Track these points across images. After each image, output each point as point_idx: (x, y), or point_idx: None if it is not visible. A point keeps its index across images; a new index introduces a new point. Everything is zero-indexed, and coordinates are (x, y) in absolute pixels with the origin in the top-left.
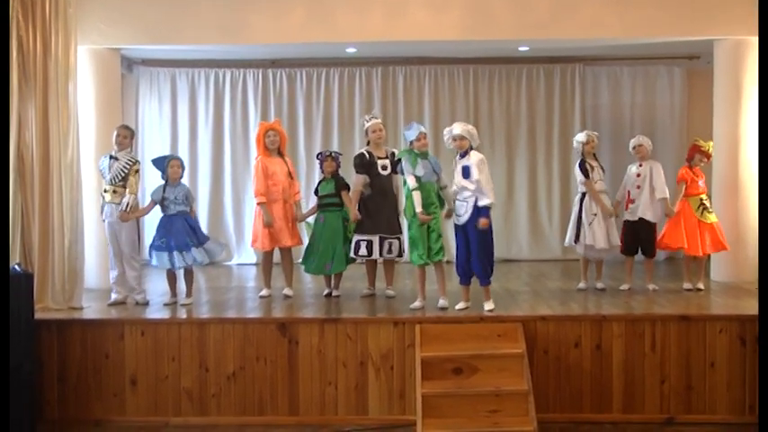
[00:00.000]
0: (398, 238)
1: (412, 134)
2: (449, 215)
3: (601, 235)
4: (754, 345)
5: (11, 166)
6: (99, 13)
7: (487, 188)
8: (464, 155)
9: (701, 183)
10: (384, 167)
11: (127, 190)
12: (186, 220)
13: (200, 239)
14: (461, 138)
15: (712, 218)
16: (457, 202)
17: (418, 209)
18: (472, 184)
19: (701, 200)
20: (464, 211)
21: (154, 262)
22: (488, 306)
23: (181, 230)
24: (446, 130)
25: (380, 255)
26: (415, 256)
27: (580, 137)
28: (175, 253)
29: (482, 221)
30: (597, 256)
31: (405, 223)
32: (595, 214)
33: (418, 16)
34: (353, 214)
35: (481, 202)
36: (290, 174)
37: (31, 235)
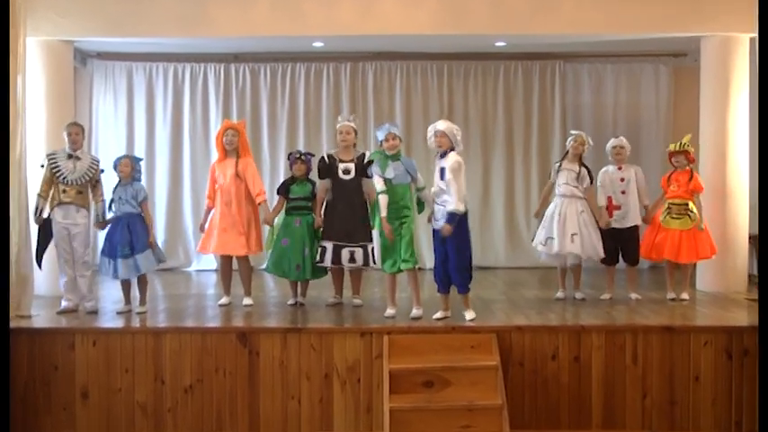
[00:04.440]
0: (363, 247)
1: (380, 134)
2: (430, 219)
3: (542, 238)
4: (741, 358)
5: None
6: (50, 3)
7: (458, 194)
8: (444, 155)
9: (673, 187)
10: (346, 171)
11: (96, 196)
12: (129, 223)
13: (137, 248)
14: (442, 135)
15: (675, 224)
16: (435, 206)
17: (383, 213)
18: (449, 189)
19: (669, 204)
20: (441, 216)
21: (99, 268)
22: (469, 315)
23: (121, 236)
24: (430, 127)
25: (334, 263)
26: (386, 264)
27: (574, 132)
28: (115, 261)
29: (445, 228)
30: (567, 262)
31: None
32: (560, 214)
33: (389, 9)
34: (317, 221)
35: (448, 208)
36: (237, 174)
37: None
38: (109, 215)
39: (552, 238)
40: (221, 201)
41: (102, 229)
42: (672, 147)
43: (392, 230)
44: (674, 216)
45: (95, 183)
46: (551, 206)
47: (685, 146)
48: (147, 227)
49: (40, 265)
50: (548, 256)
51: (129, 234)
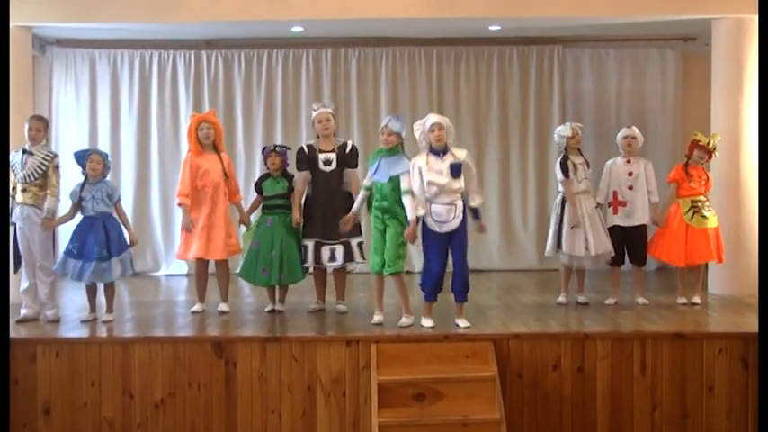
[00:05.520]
0: (344, 243)
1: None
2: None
3: (581, 241)
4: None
5: None
6: None
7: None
8: (445, 152)
9: (694, 183)
10: (327, 162)
11: (48, 192)
12: (105, 223)
13: (114, 250)
14: (440, 128)
15: (708, 222)
16: (438, 206)
17: (354, 208)
18: (470, 185)
19: (693, 202)
20: (452, 217)
21: (58, 269)
22: (464, 323)
23: (96, 237)
24: (417, 124)
25: (317, 262)
26: (373, 262)
27: (563, 130)
28: (85, 264)
29: (482, 225)
30: (584, 264)
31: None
32: (587, 213)
33: None
34: (295, 217)
35: (475, 203)
36: (225, 173)
37: None
38: (60, 212)
39: (589, 238)
40: (204, 198)
41: (48, 228)
42: (703, 139)
43: (350, 222)
44: (705, 214)
45: (47, 176)
46: (570, 208)
47: (713, 147)
48: (127, 227)
49: (15, 270)
50: (588, 260)
51: (106, 235)
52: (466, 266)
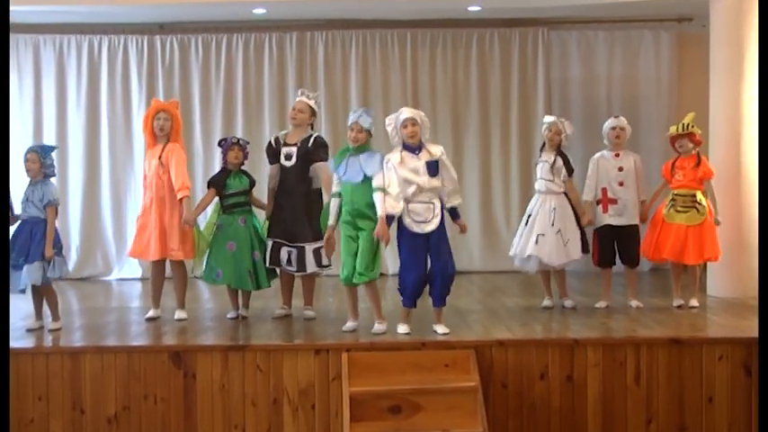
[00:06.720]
0: (299, 248)
1: (349, 120)
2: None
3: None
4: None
5: None
6: None
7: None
8: (419, 148)
9: (678, 176)
10: (287, 157)
11: None
12: (32, 229)
13: (31, 256)
14: (413, 123)
15: (683, 219)
16: (416, 205)
17: (330, 221)
18: (448, 183)
19: (674, 195)
20: (432, 216)
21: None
22: (442, 329)
23: (19, 243)
24: (390, 118)
25: (272, 263)
26: (341, 273)
27: (546, 121)
28: (12, 273)
29: (463, 225)
30: (524, 267)
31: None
32: (530, 215)
33: None
34: (267, 215)
35: (456, 201)
36: (162, 164)
37: None
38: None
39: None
40: (147, 195)
41: None
42: (673, 129)
43: (332, 240)
44: (680, 209)
45: None
46: (529, 204)
47: (689, 127)
48: (47, 235)
49: None
50: (520, 261)
51: (31, 241)
52: (449, 269)
